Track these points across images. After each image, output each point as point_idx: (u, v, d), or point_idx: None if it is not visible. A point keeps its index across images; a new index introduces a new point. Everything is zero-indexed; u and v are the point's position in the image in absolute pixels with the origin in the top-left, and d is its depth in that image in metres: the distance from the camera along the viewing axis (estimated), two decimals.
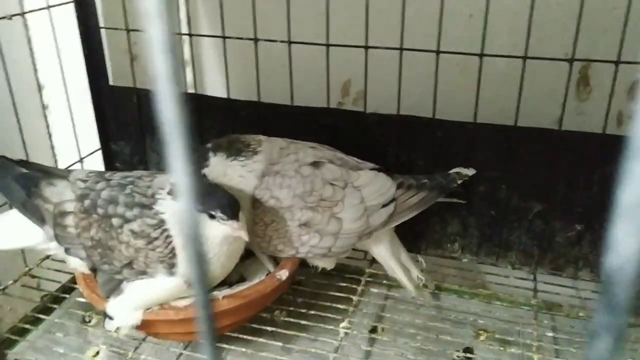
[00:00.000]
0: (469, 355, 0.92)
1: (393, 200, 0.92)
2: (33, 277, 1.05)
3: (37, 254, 1.08)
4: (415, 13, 0.96)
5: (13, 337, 0.96)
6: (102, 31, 1.15)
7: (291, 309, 0.96)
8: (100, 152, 1.22)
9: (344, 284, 1.02)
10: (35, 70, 1.08)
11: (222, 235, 0.78)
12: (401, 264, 0.99)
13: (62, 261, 1.10)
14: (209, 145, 0.94)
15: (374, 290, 1.04)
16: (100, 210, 0.79)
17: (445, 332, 0.93)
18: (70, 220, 0.80)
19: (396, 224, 0.94)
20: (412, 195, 0.93)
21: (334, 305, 0.97)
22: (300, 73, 1.07)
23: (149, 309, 0.81)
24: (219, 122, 1.13)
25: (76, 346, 0.96)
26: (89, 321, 1.02)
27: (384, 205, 0.91)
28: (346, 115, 1.06)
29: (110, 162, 1.23)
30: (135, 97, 1.16)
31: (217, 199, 0.77)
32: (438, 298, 1.05)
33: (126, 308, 0.80)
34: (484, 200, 1.04)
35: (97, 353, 0.95)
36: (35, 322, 1.00)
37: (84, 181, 0.83)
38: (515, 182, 1.01)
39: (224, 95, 1.13)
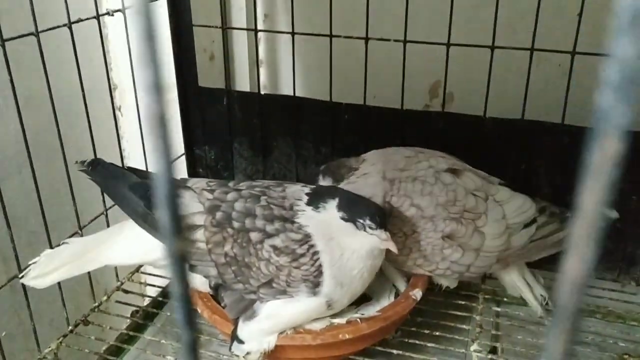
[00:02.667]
0: None
1: (534, 221, 0.85)
2: (125, 292, 0.98)
3: (128, 267, 1.01)
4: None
5: (110, 357, 0.89)
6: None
7: (413, 329, 0.89)
8: (183, 157, 1.15)
9: (462, 302, 0.95)
10: (134, 69, 1.01)
11: (368, 246, 0.71)
12: (526, 282, 0.92)
13: (153, 274, 1.04)
14: (322, 167, 0.91)
15: (489, 308, 0.97)
16: (235, 224, 0.72)
17: (574, 355, 0.86)
18: (200, 235, 0.72)
19: (539, 257, 0.88)
20: (555, 231, 0.86)
21: (457, 325, 0.90)
22: (385, 73, 1.01)
23: (282, 332, 0.73)
24: (319, 127, 1.06)
25: None
26: None
27: (525, 226, 0.84)
28: (460, 119, 0.99)
29: (193, 167, 1.16)
30: (225, 99, 1.09)
31: (364, 207, 0.71)
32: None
33: (260, 331, 0.72)
34: None
35: None
36: (130, 340, 0.93)
37: (210, 191, 0.75)
38: None
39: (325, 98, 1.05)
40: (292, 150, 1.09)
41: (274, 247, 0.70)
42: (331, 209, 0.72)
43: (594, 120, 0.16)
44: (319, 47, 1.03)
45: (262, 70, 1.31)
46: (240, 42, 1.27)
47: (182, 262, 0.19)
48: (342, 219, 0.71)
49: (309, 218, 0.72)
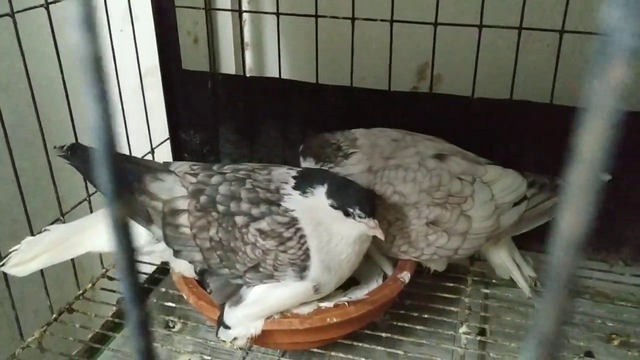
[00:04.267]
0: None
1: (525, 198, 0.84)
2: (111, 279, 0.96)
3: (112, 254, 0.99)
4: None
5: (96, 345, 0.88)
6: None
7: (401, 312, 0.88)
8: (168, 141, 1.13)
9: (451, 284, 0.94)
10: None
11: (357, 234, 0.70)
12: (515, 263, 0.92)
13: (138, 261, 1.03)
14: (300, 148, 0.88)
15: (478, 290, 0.97)
16: (220, 208, 0.70)
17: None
18: (184, 219, 0.71)
19: (528, 229, 0.87)
20: (545, 199, 0.85)
21: (446, 307, 0.89)
22: (372, 54, 0.99)
23: (270, 317, 0.72)
24: (306, 109, 1.04)
25: (164, 355, 0.88)
26: (173, 327, 0.94)
27: (515, 204, 0.83)
28: (449, 100, 0.98)
29: (178, 152, 1.14)
30: (210, 82, 1.07)
31: (354, 195, 0.69)
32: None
33: (247, 316, 0.71)
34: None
35: None
36: (116, 328, 0.92)
37: (194, 175, 0.74)
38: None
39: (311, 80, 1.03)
40: (279, 133, 1.08)
41: (260, 231, 0.69)
42: (320, 195, 0.70)
43: (597, 44, 0.14)
44: (305, 28, 1.01)
45: (247, 53, 1.29)
46: (225, 24, 1.24)
47: (123, 227, 0.17)
48: (332, 206, 0.70)
49: (295, 202, 0.70)
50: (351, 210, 0.68)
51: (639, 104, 0.87)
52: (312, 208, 0.70)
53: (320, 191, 0.70)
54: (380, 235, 0.70)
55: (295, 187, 0.71)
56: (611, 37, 0.13)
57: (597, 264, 1.01)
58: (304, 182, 0.71)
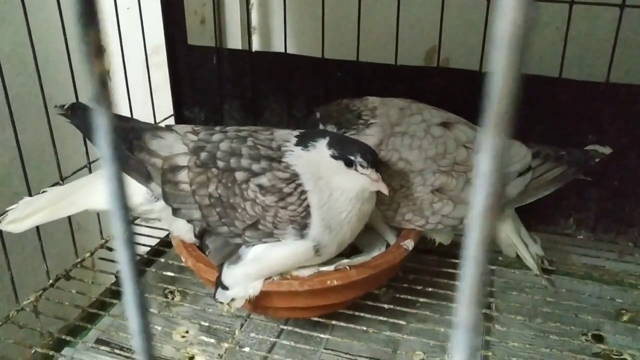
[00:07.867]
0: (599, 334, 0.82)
1: (529, 169, 0.83)
2: (110, 249, 0.95)
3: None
4: None
5: (95, 311, 0.86)
6: None
7: (404, 285, 0.86)
8: (172, 118, 1.12)
9: (456, 261, 0.92)
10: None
11: (358, 187, 0.69)
12: (522, 240, 0.90)
13: (140, 234, 1.02)
14: (318, 114, 0.85)
15: None
16: (220, 164, 0.69)
17: (570, 314, 0.83)
18: (183, 176, 0.70)
19: (532, 199, 0.85)
20: (550, 169, 0.84)
21: (450, 282, 0.87)
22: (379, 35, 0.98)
23: (269, 278, 0.71)
24: (312, 85, 1.03)
25: (162, 324, 0.86)
26: (172, 298, 0.92)
27: (520, 174, 0.82)
28: (456, 74, 0.97)
29: None
30: (215, 58, 1.06)
31: (356, 145, 0.68)
32: (551, 276, 0.96)
33: (245, 276, 0.70)
34: (608, 170, 0.94)
35: (187, 332, 0.85)
36: (115, 295, 0.90)
37: (195, 133, 0.73)
38: None
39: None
40: (284, 110, 1.07)
41: (260, 187, 0.68)
42: (321, 147, 0.69)
43: None
44: (312, 8, 1.00)
45: (254, 37, 1.28)
46: (232, 5, 1.24)
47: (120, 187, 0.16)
48: (333, 156, 0.68)
49: (297, 157, 0.69)
50: (352, 158, 0.67)
51: None
52: (314, 161, 0.69)
53: (322, 143, 0.69)
54: (384, 189, 0.69)
55: (297, 144, 0.70)
56: None
57: (606, 244, 0.99)
58: (306, 138, 0.70)
